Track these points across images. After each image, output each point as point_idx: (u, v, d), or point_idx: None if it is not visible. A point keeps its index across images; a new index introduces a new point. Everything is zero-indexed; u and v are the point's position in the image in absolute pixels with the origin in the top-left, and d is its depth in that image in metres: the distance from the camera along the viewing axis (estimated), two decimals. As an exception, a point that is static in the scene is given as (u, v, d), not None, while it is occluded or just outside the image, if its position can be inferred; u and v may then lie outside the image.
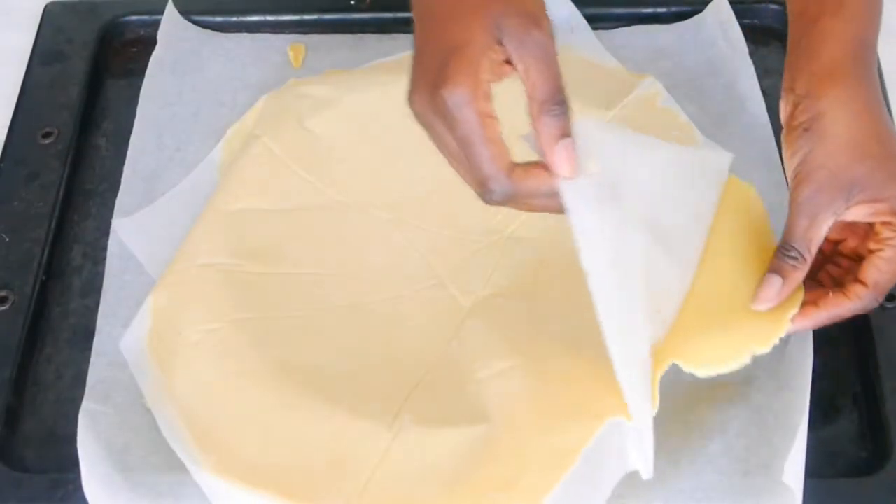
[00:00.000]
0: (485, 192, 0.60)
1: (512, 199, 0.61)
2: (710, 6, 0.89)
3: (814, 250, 0.67)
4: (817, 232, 0.67)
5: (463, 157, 0.60)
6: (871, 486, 0.67)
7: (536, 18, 0.59)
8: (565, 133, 0.59)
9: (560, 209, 0.61)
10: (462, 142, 0.59)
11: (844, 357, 0.73)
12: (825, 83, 0.68)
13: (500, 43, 0.59)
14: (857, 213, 0.67)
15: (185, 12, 0.91)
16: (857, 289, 0.67)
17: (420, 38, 0.62)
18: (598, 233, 0.61)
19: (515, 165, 0.60)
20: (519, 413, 0.66)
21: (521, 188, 0.60)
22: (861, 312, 0.68)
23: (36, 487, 0.69)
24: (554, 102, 0.59)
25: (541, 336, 0.70)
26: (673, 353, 0.65)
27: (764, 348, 0.66)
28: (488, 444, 0.66)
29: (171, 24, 0.90)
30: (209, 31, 0.91)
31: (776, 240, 0.70)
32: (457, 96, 0.58)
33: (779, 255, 0.68)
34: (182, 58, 0.88)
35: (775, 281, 0.67)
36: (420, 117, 0.61)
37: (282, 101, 0.84)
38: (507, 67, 0.60)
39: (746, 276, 0.71)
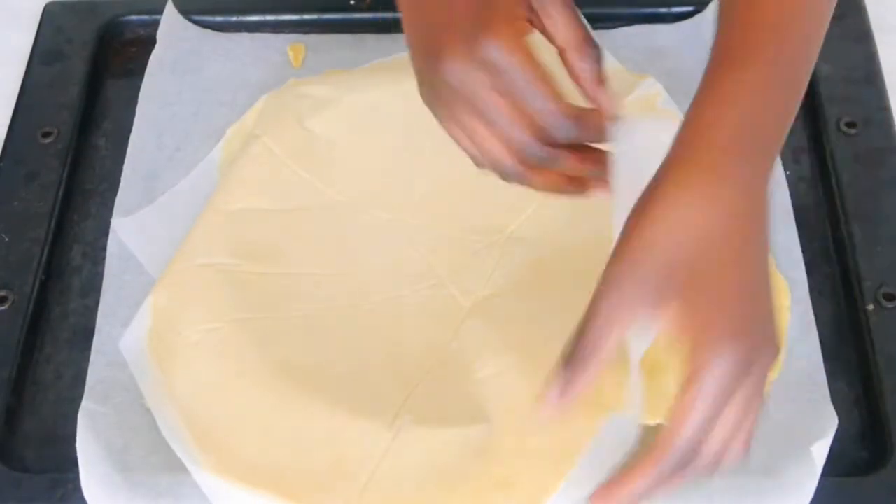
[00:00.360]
0: (553, 129, 0.58)
1: (574, 139, 0.59)
2: (710, 6, 0.89)
3: (601, 358, 0.57)
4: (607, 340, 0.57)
5: (504, 111, 0.58)
6: (871, 486, 0.67)
7: None
8: (605, 77, 0.59)
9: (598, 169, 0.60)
10: (517, 86, 0.57)
11: (845, 357, 0.73)
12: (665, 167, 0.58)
13: None
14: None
15: (185, 12, 0.91)
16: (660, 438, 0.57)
17: (427, 2, 0.60)
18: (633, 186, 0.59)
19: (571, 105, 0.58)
20: (519, 412, 0.66)
21: (583, 125, 0.59)
22: (676, 464, 0.57)
23: (36, 487, 0.69)
24: (589, 46, 0.59)
25: (541, 336, 0.69)
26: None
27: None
28: (488, 443, 0.66)
29: (171, 23, 0.90)
30: (209, 31, 0.90)
31: None
32: (504, 42, 0.57)
33: (562, 360, 0.58)
34: (182, 57, 0.88)
35: (551, 393, 0.58)
36: (456, 75, 0.58)
37: (282, 101, 0.83)
38: (527, 25, 0.59)
39: None
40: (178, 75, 0.87)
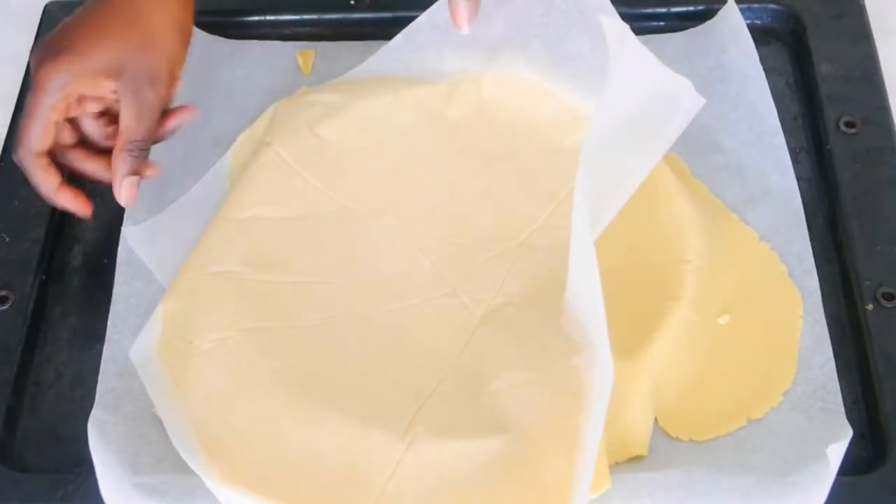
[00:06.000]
0: (16, 147, 0.74)
1: (28, 174, 0.74)
2: (720, 13, 0.88)
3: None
4: None
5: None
6: (871, 486, 0.67)
7: (156, 83, 0.74)
8: (135, 172, 0.74)
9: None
10: (28, 106, 0.73)
11: (844, 357, 0.73)
12: None
13: (114, 78, 0.73)
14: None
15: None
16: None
17: (79, 13, 0.75)
18: None
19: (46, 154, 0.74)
20: (539, 432, 0.66)
21: (33, 177, 0.74)
22: None
23: (36, 487, 0.69)
24: (136, 147, 0.73)
25: (553, 345, 0.69)
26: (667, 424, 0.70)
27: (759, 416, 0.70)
28: (505, 459, 0.65)
29: None
30: (218, 38, 0.90)
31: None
32: (47, 71, 0.72)
33: None
34: (191, 65, 0.87)
35: None
36: (31, 61, 0.74)
37: (292, 109, 0.83)
38: (110, 95, 0.74)
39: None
40: (186, 83, 0.86)
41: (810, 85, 0.86)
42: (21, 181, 0.81)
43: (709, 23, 0.88)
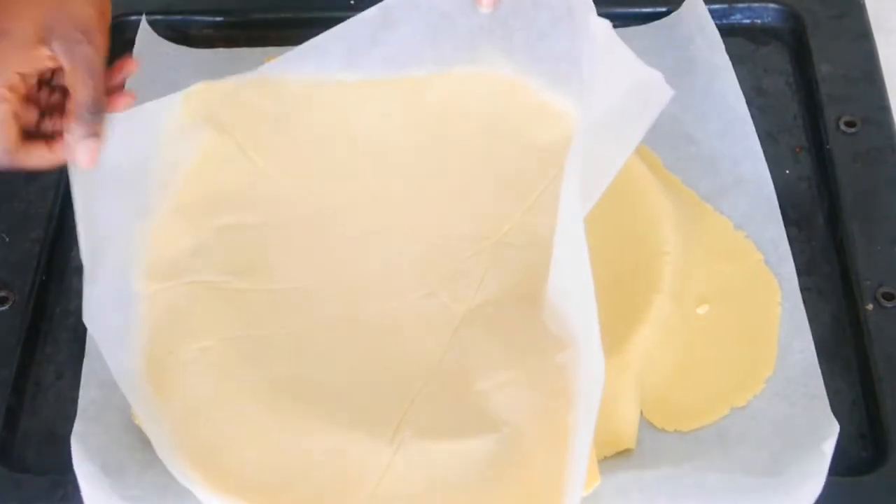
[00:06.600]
0: None
1: (11, 165, 0.70)
2: (685, 4, 0.88)
3: None
4: None
5: None
6: (871, 486, 0.67)
7: (89, 33, 0.70)
8: (93, 134, 0.70)
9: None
10: None
11: (844, 357, 0.73)
12: None
13: (45, 43, 0.69)
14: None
15: (162, 15, 0.90)
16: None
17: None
18: None
19: (21, 143, 0.69)
20: (528, 430, 0.66)
21: (18, 162, 0.70)
22: None
23: (36, 488, 0.69)
24: (87, 110, 0.70)
25: (537, 344, 0.68)
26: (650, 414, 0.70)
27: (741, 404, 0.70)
28: (495, 459, 0.65)
29: (146, 41, 0.89)
30: (183, 48, 0.90)
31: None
32: None
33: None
34: (159, 75, 0.87)
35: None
36: None
37: (256, 101, 0.81)
38: (48, 62, 0.70)
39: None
40: (155, 93, 0.84)
41: (810, 85, 0.86)
42: (21, 181, 0.82)
43: (674, 14, 0.89)
